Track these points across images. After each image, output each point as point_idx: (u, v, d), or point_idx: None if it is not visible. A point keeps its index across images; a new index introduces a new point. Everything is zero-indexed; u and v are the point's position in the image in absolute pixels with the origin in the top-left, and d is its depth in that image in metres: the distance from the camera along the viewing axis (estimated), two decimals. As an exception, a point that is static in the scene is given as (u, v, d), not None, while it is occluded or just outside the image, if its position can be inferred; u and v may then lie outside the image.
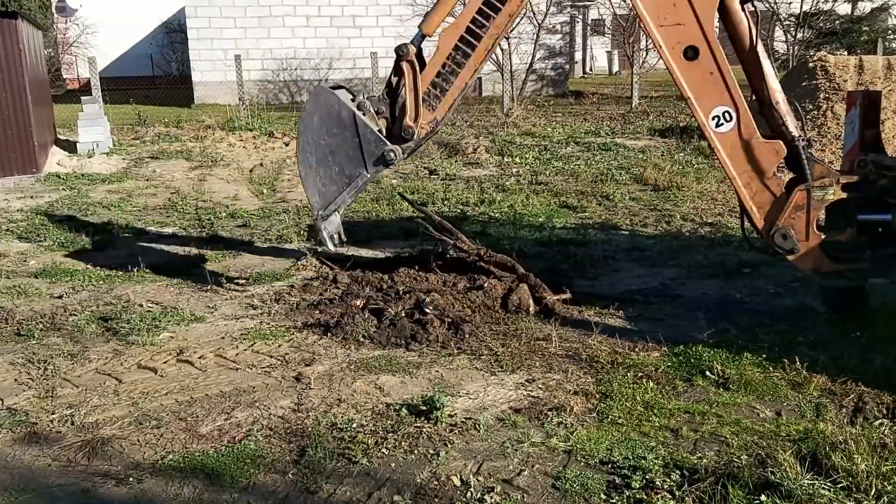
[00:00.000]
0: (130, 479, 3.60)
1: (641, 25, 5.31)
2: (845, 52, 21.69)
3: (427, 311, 5.45)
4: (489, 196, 9.70)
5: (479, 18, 5.42)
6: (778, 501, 3.26)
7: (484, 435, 3.95)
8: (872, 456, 3.50)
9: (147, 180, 11.43)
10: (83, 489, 3.54)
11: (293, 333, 5.40)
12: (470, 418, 4.11)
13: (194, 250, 7.51)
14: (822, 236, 5.16)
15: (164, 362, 4.94)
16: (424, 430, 3.99)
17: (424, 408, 4.15)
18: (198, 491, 3.51)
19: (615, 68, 33.63)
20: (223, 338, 5.35)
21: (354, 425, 4.05)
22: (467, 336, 5.20)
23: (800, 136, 5.16)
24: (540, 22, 20.13)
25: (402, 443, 3.86)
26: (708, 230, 8.05)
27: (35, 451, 3.87)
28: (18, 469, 3.72)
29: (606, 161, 12.14)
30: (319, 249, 6.85)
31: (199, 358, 5.00)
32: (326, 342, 5.23)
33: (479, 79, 20.34)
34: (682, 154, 12.41)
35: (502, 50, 18.03)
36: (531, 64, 20.57)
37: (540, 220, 8.63)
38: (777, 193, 5.13)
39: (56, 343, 5.27)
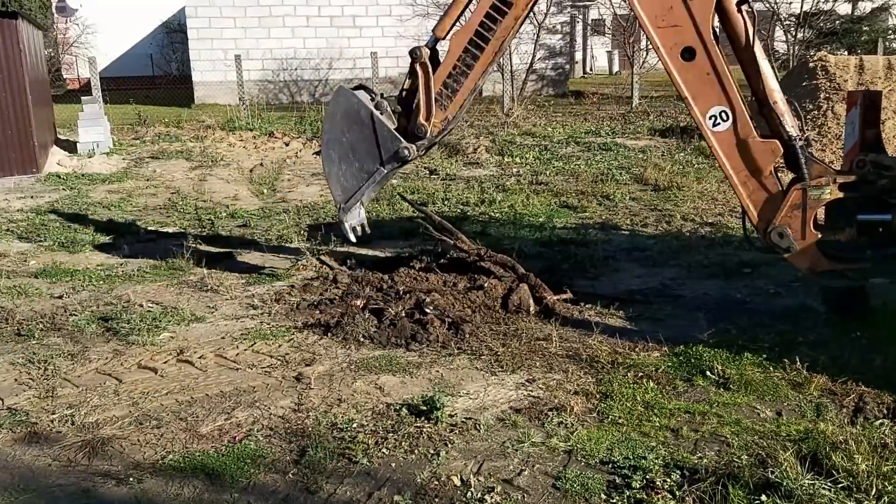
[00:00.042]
0: (131, 479, 3.60)
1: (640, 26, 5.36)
2: (846, 52, 21.67)
3: (427, 311, 5.45)
4: (489, 196, 9.69)
5: (487, 22, 5.66)
6: (778, 501, 3.26)
7: (484, 435, 3.96)
8: (873, 456, 3.50)
9: (147, 180, 11.43)
10: (83, 489, 3.54)
11: (293, 333, 5.40)
12: (470, 418, 4.11)
13: (194, 250, 7.51)
14: (819, 235, 5.17)
15: (165, 362, 4.94)
16: (425, 430, 3.99)
17: (425, 408, 4.15)
18: (198, 491, 3.51)
19: (615, 68, 33.62)
20: (223, 338, 5.35)
21: (355, 425, 4.05)
22: (467, 336, 5.20)
23: (797, 135, 5.18)
24: (540, 22, 20.10)
25: (403, 443, 3.86)
26: (708, 230, 8.05)
27: (35, 451, 3.87)
28: (19, 469, 3.72)
29: (607, 161, 12.14)
30: (322, 249, 6.86)
31: (200, 358, 5.00)
32: (327, 342, 5.23)
33: (480, 79, 20.29)
34: (682, 154, 12.41)
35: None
36: (531, 64, 20.55)
37: (540, 220, 8.63)
38: (774, 192, 5.16)
39: (56, 343, 5.27)
